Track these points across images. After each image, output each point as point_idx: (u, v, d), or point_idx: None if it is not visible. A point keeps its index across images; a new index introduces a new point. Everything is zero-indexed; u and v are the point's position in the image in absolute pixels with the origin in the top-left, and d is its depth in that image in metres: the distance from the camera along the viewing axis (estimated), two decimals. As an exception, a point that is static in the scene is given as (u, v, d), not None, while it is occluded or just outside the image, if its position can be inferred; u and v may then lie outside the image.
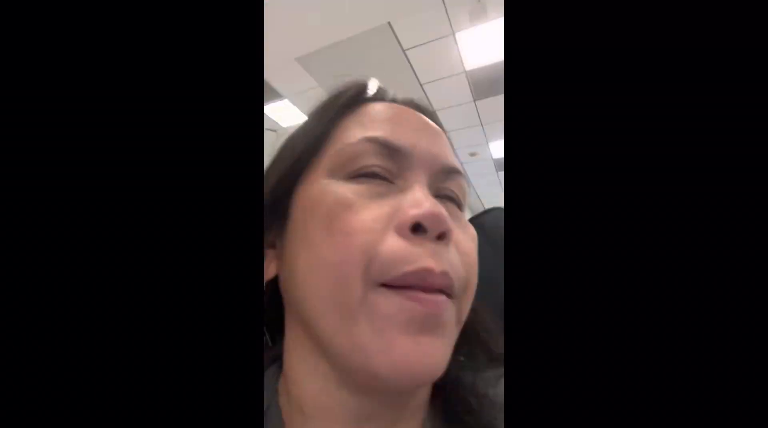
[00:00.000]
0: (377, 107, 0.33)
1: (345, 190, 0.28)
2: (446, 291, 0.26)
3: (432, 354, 0.25)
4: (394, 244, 0.26)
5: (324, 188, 0.29)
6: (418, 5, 2.18)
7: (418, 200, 0.27)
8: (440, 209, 0.26)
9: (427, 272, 0.25)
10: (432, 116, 0.35)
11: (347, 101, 0.34)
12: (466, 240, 0.29)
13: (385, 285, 0.26)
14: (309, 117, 0.35)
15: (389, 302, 0.25)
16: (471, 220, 0.64)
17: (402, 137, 0.30)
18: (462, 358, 0.32)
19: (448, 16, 2.33)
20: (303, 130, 0.34)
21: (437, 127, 0.34)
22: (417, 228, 0.26)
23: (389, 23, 2.34)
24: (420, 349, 0.25)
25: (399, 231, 0.26)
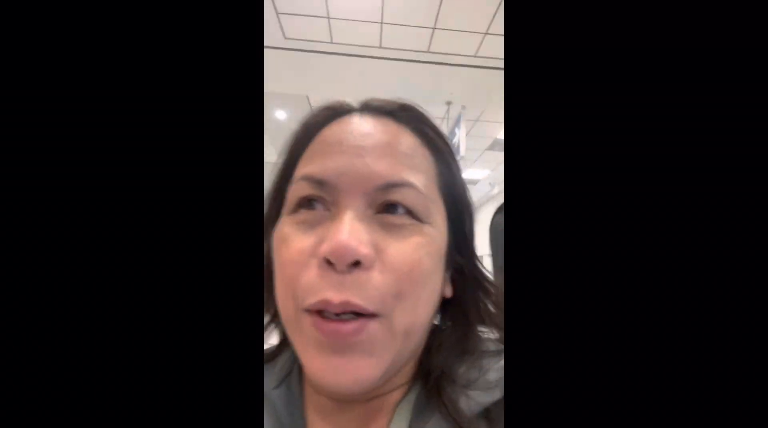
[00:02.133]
0: (323, 135, 0.35)
1: (285, 224, 0.33)
2: (363, 314, 0.29)
3: (345, 371, 0.29)
4: (307, 277, 0.30)
5: (281, 223, 0.34)
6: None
7: (332, 235, 0.29)
8: (347, 243, 0.28)
9: (325, 303, 0.29)
10: (393, 112, 0.36)
11: (304, 137, 0.36)
12: (399, 254, 0.31)
13: (306, 310, 0.30)
14: (280, 157, 0.38)
15: (306, 326, 0.30)
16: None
17: (331, 168, 0.32)
18: (454, 341, 0.36)
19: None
20: (277, 173, 0.38)
21: (385, 135, 0.34)
22: (329, 262, 0.29)
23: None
24: (331, 367, 0.29)
25: (317, 263, 0.30)
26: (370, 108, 0.37)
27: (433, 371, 0.35)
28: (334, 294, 0.29)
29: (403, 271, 0.30)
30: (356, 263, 0.29)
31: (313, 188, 0.32)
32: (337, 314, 0.29)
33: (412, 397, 0.35)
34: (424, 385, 0.35)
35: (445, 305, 0.38)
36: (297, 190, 0.33)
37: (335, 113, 0.37)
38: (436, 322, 0.38)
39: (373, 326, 0.29)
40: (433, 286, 0.33)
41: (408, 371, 0.36)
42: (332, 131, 0.35)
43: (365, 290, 0.29)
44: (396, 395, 0.35)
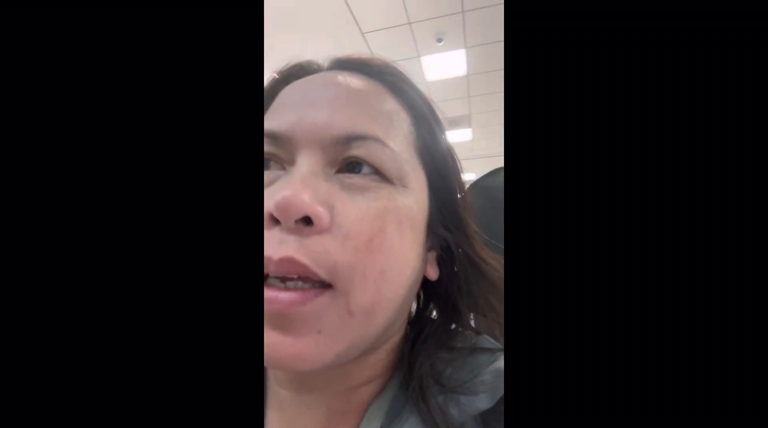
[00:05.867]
0: (284, 92, 0.32)
1: None
2: (312, 279, 0.25)
3: (285, 349, 0.25)
4: None
5: None
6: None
7: (279, 189, 0.25)
8: (294, 194, 0.24)
9: (264, 261, 0.24)
10: (365, 66, 0.33)
11: (267, 97, 0.33)
12: (357, 219, 0.26)
13: None
14: None
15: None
16: (476, 182, 0.59)
17: (286, 120, 0.28)
18: (442, 335, 0.33)
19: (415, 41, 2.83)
20: None
21: (352, 85, 0.31)
22: (275, 219, 0.25)
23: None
24: (269, 343, 0.25)
25: (265, 225, 0.26)
26: (340, 63, 0.34)
27: (414, 367, 0.30)
28: (273, 251, 0.24)
29: (361, 239, 0.26)
30: (306, 222, 0.25)
31: (269, 144, 0.29)
32: (281, 280, 0.25)
33: (386, 398, 0.30)
34: (403, 383, 0.31)
35: (430, 290, 0.34)
36: None
37: (302, 70, 0.35)
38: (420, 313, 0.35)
39: (323, 300, 0.25)
40: (405, 262, 0.28)
41: (381, 363, 0.32)
42: (294, 86, 0.32)
43: (314, 251, 0.25)
44: (366, 392, 0.31)
